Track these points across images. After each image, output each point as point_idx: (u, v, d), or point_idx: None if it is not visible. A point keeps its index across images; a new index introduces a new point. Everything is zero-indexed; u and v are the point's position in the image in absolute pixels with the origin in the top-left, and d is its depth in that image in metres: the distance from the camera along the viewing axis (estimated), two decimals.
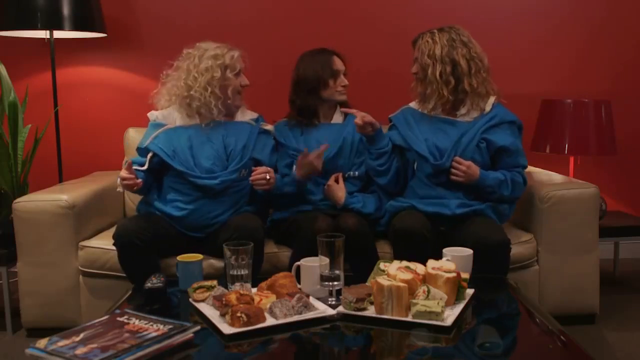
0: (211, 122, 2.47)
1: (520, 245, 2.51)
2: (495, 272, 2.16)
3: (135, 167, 2.37)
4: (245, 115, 2.59)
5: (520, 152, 2.49)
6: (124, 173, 2.30)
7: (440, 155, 2.43)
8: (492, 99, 2.50)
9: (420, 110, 2.56)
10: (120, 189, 2.42)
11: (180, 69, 2.49)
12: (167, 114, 2.52)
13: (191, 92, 2.42)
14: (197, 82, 2.41)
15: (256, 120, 2.61)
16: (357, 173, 2.60)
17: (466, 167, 2.37)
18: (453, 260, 1.87)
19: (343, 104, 2.65)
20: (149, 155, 2.43)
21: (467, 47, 2.44)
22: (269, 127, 2.63)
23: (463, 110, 2.48)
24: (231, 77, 2.46)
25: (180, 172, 2.38)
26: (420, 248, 2.22)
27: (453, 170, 2.39)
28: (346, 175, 2.58)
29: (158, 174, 2.48)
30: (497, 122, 2.46)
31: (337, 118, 2.67)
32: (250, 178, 2.40)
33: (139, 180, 2.31)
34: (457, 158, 2.38)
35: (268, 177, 2.38)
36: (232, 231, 2.24)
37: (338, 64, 2.60)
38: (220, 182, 2.38)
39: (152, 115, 2.54)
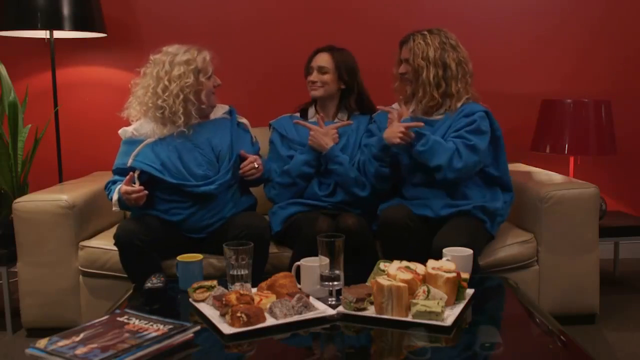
0: (191, 127, 2.41)
1: (520, 245, 2.52)
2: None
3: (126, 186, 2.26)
4: (218, 111, 2.56)
5: (475, 130, 2.38)
6: (128, 187, 2.22)
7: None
8: (463, 99, 2.47)
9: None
10: (116, 208, 2.33)
11: (148, 76, 2.40)
12: (141, 127, 2.43)
13: (159, 102, 2.34)
14: (168, 90, 2.34)
15: (229, 113, 2.58)
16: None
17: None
18: (453, 260, 1.87)
19: (322, 100, 2.65)
20: (137, 172, 2.32)
21: (456, 51, 2.45)
22: (244, 119, 2.62)
23: (441, 111, 2.49)
24: (204, 80, 2.39)
25: (175, 185, 2.34)
26: (404, 237, 2.23)
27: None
28: None
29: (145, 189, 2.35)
30: (466, 113, 2.43)
31: (342, 117, 2.67)
32: (240, 171, 2.41)
33: (144, 190, 2.23)
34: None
35: (256, 165, 2.41)
36: (240, 229, 2.25)
37: (315, 60, 2.62)
38: (218, 185, 2.37)
39: (126, 132, 2.46)
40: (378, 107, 2.54)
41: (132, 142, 2.42)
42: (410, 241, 2.23)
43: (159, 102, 2.35)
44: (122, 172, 2.38)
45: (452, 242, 2.12)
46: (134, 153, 2.38)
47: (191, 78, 2.35)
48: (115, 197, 2.33)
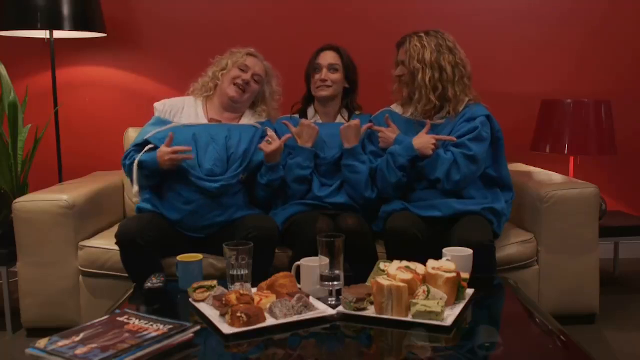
0: (218, 125, 2.51)
1: (520, 245, 2.51)
2: (482, 272, 2.08)
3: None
4: (252, 119, 2.60)
5: (472, 135, 2.38)
6: (169, 148, 2.30)
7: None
8: (466, 100, 2.48)
9: (401, 114, 2.56)
10: (134, 174, 2.37)
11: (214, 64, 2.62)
12: (175, 104, 2.56)
13: (209, 83, 2.58)
14: (212, 72, 2.60)
15: (263, 123, 2.60)
16: None
17: (384, 130, 2.47)
18: (453, 260, 1.87)
19: (326, 101, 2.62)
20: (151, 146, 2.40)
21: (453, 53, 2.44)
22: (271, 133, 2.60)
23: (442, 114, 2.49)
24: (234, 68, 2.52)
25: (182, 169, 2.36)
26: (413, 248, 2.21)
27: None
28: None
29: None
30: (468, 118, 2.44)
31: (340, 119, 2.66)
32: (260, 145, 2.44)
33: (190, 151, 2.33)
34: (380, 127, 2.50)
35: (269, 139, 2.41)
36: (249, 230, 2.25)
37: (322, 58, 2.58)
38: (220, 186, 2.38)
39: (159, 106, 2.56)
40: (366, 125, 2.54)
41: (160, 121, 2.51)
42: (418, 251, 2.19)
43: (209, 82, 2.58)
44: (139, 148, 2.45)
45: (475, 235, 2.17)
46: (157, 130, 2.45)
47: (226, 60, 2.56)
48: (137, 160, 2.38)
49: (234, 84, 2.51)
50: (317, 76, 2.58)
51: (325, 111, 2.65)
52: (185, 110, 2.55)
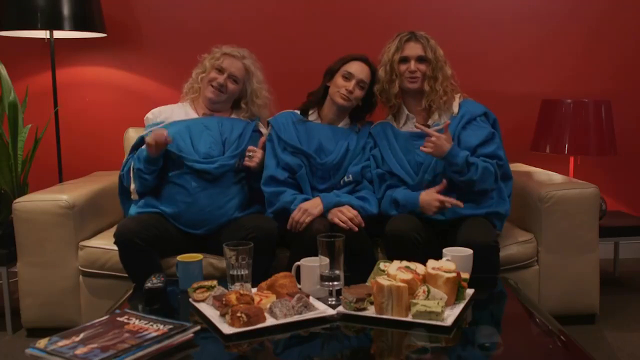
0: (207, 117, 2.54)
1: (520, 245, 2.52)
2: (485, 272, 2.10)
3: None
4: (240, 115, 2.63)
5: (495, 142, 2.42)
6: (158, 130, 2.34)
7: (416, 173, 2.43)
8: (457, 98, 2.49)
9: (395, 125, 2.55)
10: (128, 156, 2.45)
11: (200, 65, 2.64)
12: (164, 110, 2.59)
13: (194, 85, 2.62)
14: (195, 74, 2.63)
15: (253, 120, 2.63)
16: (350, 177, 2.52)
17: (436, 138, 2.27)
18: (453, 260, 1.87)
19: (341, 110, 2.56)
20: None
21: None
22: (264, 129, 2.63)
23: (435, 116, 2.48)
24: (212, 70, 2.53)
25: (179, 157, 2.39)
26: (413, 251, 2.19)
27: (425, 142, 2.30)
28: (341, 181, 2.52)
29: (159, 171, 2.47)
30: (468, 119, 2.44)
31: (343, 125, 2.60)
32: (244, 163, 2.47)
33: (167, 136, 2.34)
34: (428, 130, 2.32)
35: (250, 153, 2.44)
36: (249, 230, 2.25)
37: (356, 69, 2.49)
38: (219, 166, 2.40)
39: (147, 120, 2.60)
40: (446, 123, 2.43)
41: (152, 125, 2.54)
42: (417, 254, 2.17)
43: (193, 84, 2.62)
44: (137, 147, 2.51)
45: (479, 236, 2.17)
46: (152, 129, 2.46)
47: (206, 61, 2.58)
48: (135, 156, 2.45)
49: (211, 85, 2.53)
50: (343, 83, 2.49)
51: (333, 117, 2.58)
52: (175, 111, 2.58)
